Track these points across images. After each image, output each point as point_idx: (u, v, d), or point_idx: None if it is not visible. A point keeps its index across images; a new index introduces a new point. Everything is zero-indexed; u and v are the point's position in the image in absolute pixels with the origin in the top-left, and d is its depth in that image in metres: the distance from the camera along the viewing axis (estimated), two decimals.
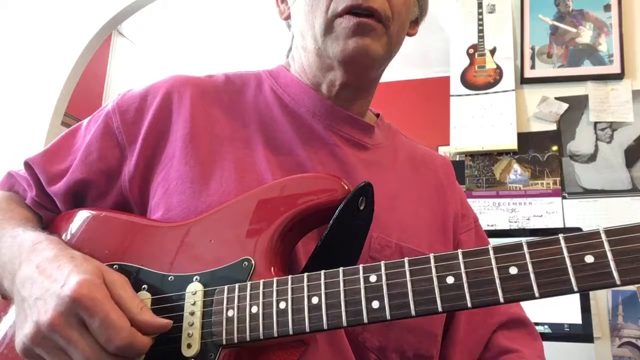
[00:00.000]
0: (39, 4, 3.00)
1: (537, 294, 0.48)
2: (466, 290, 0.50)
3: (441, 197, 0.84)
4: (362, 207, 0.62)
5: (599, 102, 1.94)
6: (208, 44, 4.58)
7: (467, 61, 2.13)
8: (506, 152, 2.00)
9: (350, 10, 0.70)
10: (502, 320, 0.81)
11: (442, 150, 3.70)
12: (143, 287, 0.63)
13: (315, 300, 0.55)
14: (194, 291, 0.61)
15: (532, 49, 2.06)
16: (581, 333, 1.52)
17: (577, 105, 1.97)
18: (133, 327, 0.55)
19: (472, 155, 2.05)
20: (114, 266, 0.65)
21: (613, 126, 1.92)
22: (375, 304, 0.53)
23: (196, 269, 0.62)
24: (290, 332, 0.55)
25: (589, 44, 2.01)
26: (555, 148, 1.96)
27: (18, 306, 0.61)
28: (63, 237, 0.72)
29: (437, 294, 0.51)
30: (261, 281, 0.58)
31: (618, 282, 0.45)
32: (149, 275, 0.64)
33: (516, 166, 1.98)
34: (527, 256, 0.49)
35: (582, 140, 1.94)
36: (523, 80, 2.04)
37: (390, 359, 0.68)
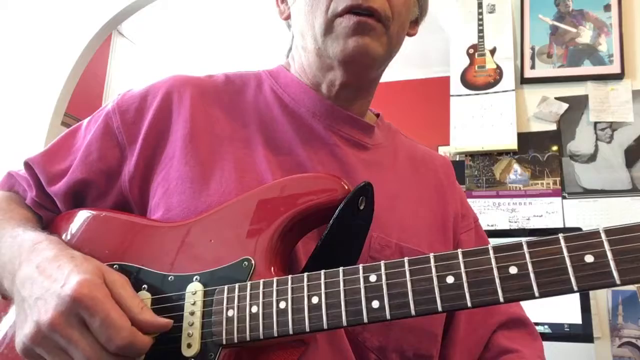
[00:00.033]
0: (39, 4, 3.00)
1: (537, 294, 0.48)
2: (466, 289, 0.50)
3: (441, 197, 0.84)
4: (362, 207, 0.62)
5: (599, 102, 1.94)
6: (208, 44, 4.59)
7: (467, 61, 2.13)
8: (506, 152, 2.00)
9: (350, 10, 0.70)
10: (502, 320, 0.81)
11: (442, 150, 3.70)
12: (143, 287, 0.63)
13: (315, 300, 0.55)
14: (194, 291, 0.61)
15: (532, 49, 2.06)
16: (581, 333, 1.52)
17: (577, 105, 1.97)
18: (134, 327, 0.55)
19: (472, 155, 2.05)
20: (114, 266, 0.65)
21: (613, 126, 1.92)
22: (375, 304, 0.53)
23: (196, 268, 0.62)
24: (290, 332, 0.55)
25: (589, 44, 2.01)
26: (555, 148, 1.96)
27: (18, 306, 0.61)
28: (63, 237, 0.72)
29: (437, 294, 0.51)
30: (261, 281, 0.58)
31: (618, 282, 0.45)
32: (149, 275, 0.64)
33: (516, 166, 1.99)
34: (527, 256, 0.49)
35: (582, 140, 1.94)
36: (523, 80, 2.04)
37: (390, 359, 0.68)
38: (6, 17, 3.03)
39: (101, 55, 3.98)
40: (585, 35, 2.02)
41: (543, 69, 2.04)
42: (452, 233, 0.82)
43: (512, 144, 1.98)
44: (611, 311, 1.75)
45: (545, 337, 1.38)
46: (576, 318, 1.53)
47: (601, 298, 1.76)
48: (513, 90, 2.02)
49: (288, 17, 0.83)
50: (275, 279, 0.58)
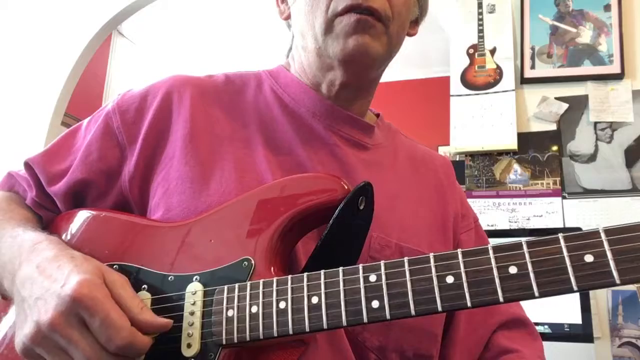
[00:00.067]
0: (39, 4, 3.00)
1: (536, 294, 0.48)
2: (466, 289, 0.50)
3: (441, 197, 0.84)
4: (362, 207, 0.62)
5: (599, 102, 1.94)
6: (208, 44, 4.59)
7: (467, 61, 2.13)
8: (506, 152, 2.00)
9: (350, 10, 0.70)
10: (502, 320, 0.81)
11: (442, 150, 3.70)
12: (143, 287, 0.63)
13: (315, 300, 0.55)
14: (194, 291, 0.61)
15: (532, 49, 2.06)
16: (581, 333, 1.52)
17: (577, 105, 1.97)
18: (133, 327, 0.55)
19: (472, 155, 2.05)
20: (114, 266, 0.65)
21: (613, 126, 1.93)
22: (375, 304, 0.53)
23: (196, 268, 0.62)
24: (290, 332, 0.55)
25: (589, 44, 2.01)
26: (555, 148, 1.96)
27: (18, 306, 0.61)
28: (63, 237, 0.72)
29: (436, 294, 0.51)
30: (261, 281, 0.58)
31: (618, 282, 0.45)
32: (149, 275, 0.64)
33: (516, 166, 1.99)
34: (527, 255, 0.49)
35: (582, 140, 1.94)
36: (523, 80, 2.04)
37: (390, 359, 0.68)
38: (6, 17, 3.03)
39: (101, 55, 3.99)
40: (585, 35, 2.02)
41: (543, 69, 2.04)
42: (452, 233, 0.82)
43: (512, 144, 1.98)
44: (611, 311, 1.75)
45: (545, 337, 1.38)
46: (576, 318, 1.53)
47: (601, 298, 1.76)
48: (513, 90, 2.02)
49: (288, 17, 0.83)
50: (275, 279, 0.58)
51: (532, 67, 2.05)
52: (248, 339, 0.56)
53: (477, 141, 2.03)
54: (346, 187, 0.62)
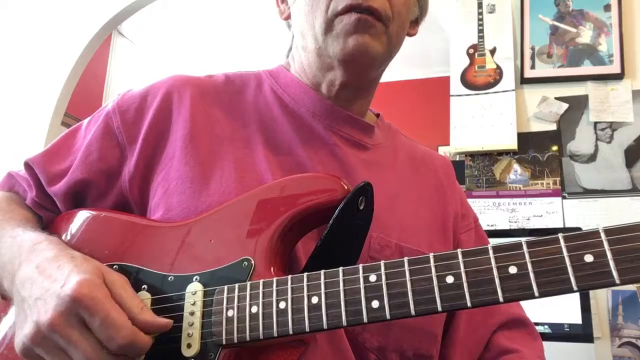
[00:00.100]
0: (39, 4, 3.00)
1: (536, 293, 0.48)
2: (466, 289, 0.50)
3: (441, 197, 0.84)
4: (361, 207, 0.62)
5: (599, 102, 1.94)
6: (208, 44, 4.59)
7: (467, 61, 2.13)
8: (506, 152, 2.00)
9: (350, 9, 0.70)
10: (502, 320, 0.81)
11: (442, 150, 3.70)
12: (143, 287, 0.63)
13: (315, 300, 0.55)
14: (194, 291, 0.61)
15: (532, 49, 2.06)
16: (581, 333, 1.52)
17: (577, 105, 1.97)
18: (134, 326, 0.55)
19: (472, 155, 2.05)
20: (114, 266, 0.65)
21: (613, 126, 1.92)
22: (375, 304, 0.53)
23: (196, 269, 0.62)
24: (290, 332, 0.55)
25: (589, 44, 2.01)
26: (555, 148, 1.96)
27: (18, 306, 0.61)
28: (63, 237, 0.72)
29: (436, 294, 0.51)
30: (261, 281, 0.58)
31: (617, 281, 0.45)
32: (148, 275, 0.64)
33: (516, 166, 1.99)
34: (527, 255, 0.49)
35: (582, 140, 1.94)
36: (523, 80, 2.04)
37: (390, 359, 0.68)
38: (6, 17, 3.03)
39: (101, 55, 3.99)
40: (585, 35, 2.02)
41: (543, 69, 2.04)
42: (452, 233, 0.82)
43: (512, 144, 1.98)
44: (611, 311, 1.75)
45: (545, 337, 1.38)
46: (576, 318, 1.53)
47: (601, 298, 1.76)
48: (513, 90, 2.02)
49: (288, 17, 0.83)
50: (275, 279, 0.58)
51: (532, 67, 2.05)
52: (248, 339, 0.56)
53: (477, 141, 2.03)
54: (346, 187, 0.62)
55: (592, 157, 1.92)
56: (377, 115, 0.88)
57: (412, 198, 0.80)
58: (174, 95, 0.76)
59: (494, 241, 0.56)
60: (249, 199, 0.65)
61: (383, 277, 0.53)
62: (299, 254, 0.66)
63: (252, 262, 0.60)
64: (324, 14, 0.72)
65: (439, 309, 0.51)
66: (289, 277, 0.57)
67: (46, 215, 0.78)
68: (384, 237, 0.71)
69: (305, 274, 0.57)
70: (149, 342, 0.56)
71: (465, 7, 2.18)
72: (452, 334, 0.78)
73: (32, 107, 2.85)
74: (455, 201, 0.85)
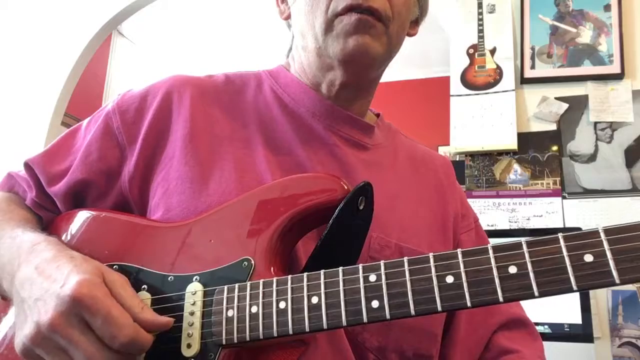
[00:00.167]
0: (39, 4, 3.00)
1: (536, 293, 0.48)
2: (465, 289, 0.50)
3: (441, 197, 0.84)
4: (361, 207, 0.62)
5: (599, 102, 1.94)
6: (208, 44, 4.59)
7: (467, 61, 2.13)
8: (506, 152, 2.00)
9: (350, 9, 0.70)
10: (503, 321, 0.81)
11: (442, 150, 3.70)
12: (143, 287, 0.63)
13: (315, 300, 0.55)
14: (194, 291, 0.61)
15: (532, 49, 2.06)
16: (581, 333, 1.52)
17: (577, 105, 1.97)
18: (136, 323, 0.55)
19: (472, 155, 2.05)
20: (114, 266, 0.65)
21: (613, 126, 1.92)
22: (375, 304, 0.53)
23: (196, 269, 0.62)
24: (290, 332, 0.55)
25: (589, 44, 2.01)
26: (555, 148, 1.96)
27: (18, 307, 0.61)
28: (63, 237, 0.71)
29: (436, 294, 0.51)
30: (261, 281, 0.58)
31: (617, 281, 0.45)
32: (148, 275, 0.64)
33: (516, 166, 1.99)
34: (527, 255, 0.49)
35: (582, 140, 1.94)
36: (523, 80, 2.04)
37: (390, 359, 0.68)
38: (6, 17, 3.03)
39: (101, 55, 3.99)
40: (585, 35, 2.03)
41: (543, 69, 2.04)
42: (452, 233, 0.82)
43: (512, 144, 1.98)
44: (611, 311, 1.75)
45: (545, 337, 1.38)
46: (576, 318, 1.53)
47: (601, 298, 1.76)
48: (513, 90, 2.02)
49: (288, 17, 0.83)
50: (275, 279, 0.58)
51: (532, 67, 2.05)
52: (248, 339, 0.56)
53: (477, 141, 2.03)
54: (346, 187, 0.62)
55: (592, 157, 1.92)
56: (377, 115, 0.88)
57: (412, 198, 0.80)
58: (174, 95, 0.76)
59: (494, 241, 0.56)
60: (248, 199, 0.65)
61: (383, 277, 0.53)
62: (299, 254, 0.66)
63: (252, 262, 0.60)
64: (324, 14, 0.72)
65: (439, 308, 0.51)
66: (289, 277, 0.57)
67: (46, 216, 0.78)
68: (384, 237, 0.71)
69: (305, 274, 0.57)
70: (151, 340, 0.56)
71: (465, 7, 2.18)
72: (452, 334, 0.78)
73: (32, 107, 2.86)
74: (455, 201, 0.85)
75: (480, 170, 2.02)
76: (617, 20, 1.99)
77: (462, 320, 0.78)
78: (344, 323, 0.54)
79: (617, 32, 1.98)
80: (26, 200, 0.78)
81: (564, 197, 1.90)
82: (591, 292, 1.65)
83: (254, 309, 0.57)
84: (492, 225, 1.93)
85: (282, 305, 0.56)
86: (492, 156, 2.02)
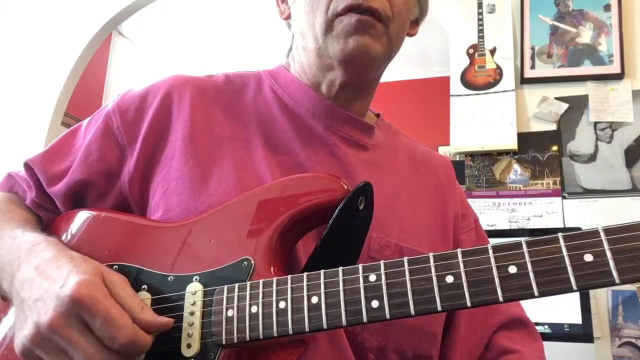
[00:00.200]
0: (39, 4, 3.00)
1: (536, 293, 0.48)
2: (465, 289, 0.50)
3: (441, 197, 0.84)
4: (361, 207, 0.62)
5: (599, 102, 1.94)
6: (208, 44, 4.59)
7: (467, 61, 2.13)
8: (506, 152, 2.00)
9: (350, 10, 0.70)
10: (503, 321, 0.81)
11: (442, 150, 3.70)
12: (143, 287, 0.63)
13: (314, 299, 0.55)
14: (194, 291, 0.61)
15: (532, 49, 2.06)
16: (581, 333, 1.52)
17: (577, 105, 1.97)
18: (135, 324, 0.55)
19: (472, 155, 2.05)
20: (114, 267, 0.65)
21: (613, 126, 1.92)
22: (375, 304, 0.53)
23: (196, 269, 0.62)
24: (290, 332, 0.55)
25: (589, 44, 2.01)
26: (555, 148, 1.96)
27: (17, 307, 0.61)
28: (63, 237, 0.71)
29: (436, 293, 0.51)
30: (261, 281, 0.58)
31: (617, 281, 0.45)
32: (148, 275, 0.64)
33: (516, 166, 1.99)
34: (527, 255, 0.49)
35: (582, 140, 1.94)
36: (523, 80, 2.04)
37: (390, 359, 0.68)
38: (6, 17, 3.03)
39: (101, 55, 3.99)
40: (585, 35, 2.02)
41: (543, 69, 2.04)
42: (452, 233, 0.82)
43: (512, 144, 1.98)
44: (611, 311, 1.75)
45: (545, 337, 1.38)
46: (576, 318, 1.53)
47: (601, 298, 1.76)
48: (513, 90, 2.02)
49: (288, 17, 0.83)
50: (274, 279, 0.58)
51: (532, 67, 2.05)
52: (248, 339, 0.56)
53: (477, 141, 2.03)
54: (346, 187, 0.62)
55: (592, 157, 1.92)
56: (377, 115, 0.88)
57: (412, 198, 0.80)
58: (174, 95, 0.76)
59: (494, 241, 0.56)
60: (248, 199, 0.65)
61: (383, 276, 0.53)
62: (299, 253, 0.66)
63: (252, 262, 0.60)
64: (324, 14, 0.72)
65: (439, 308, 0.51)
66: (289, 277, 0.57)
67: (46, 216, 0.78)
68: (384, 237, 0.71)
69: (305, 274, 0.57)
70: (150, 341, 0.56)
71: (465, 7, 2.18)
72: (453, 334, 0.78)
73: (32, 107, 2.86)
74: (455, 201, 0.85)
75: (480, 170, 2.02)
76: (617, 20, 1.99)
77: (462, 320, 0.78)
78: (344, 323, 0.54)
79: (617, 32, 1.98)
80: (26, 200, 0.78)
81: (564, 197, 1.90)
82: (591, 292, 1.65)
83: (253, 309, 0.57)
84: (492, 225, 1.93)
85: (282, 305, 0.56)
86: (492, 156, 2.02)
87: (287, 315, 0.55)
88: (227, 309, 0.58)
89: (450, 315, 0.78)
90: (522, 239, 0.50)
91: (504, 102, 2.02)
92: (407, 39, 0.82)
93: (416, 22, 0.85)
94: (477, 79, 2.09)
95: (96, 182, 0.75)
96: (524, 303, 0.84)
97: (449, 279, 0.51)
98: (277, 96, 0.80)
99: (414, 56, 4.25)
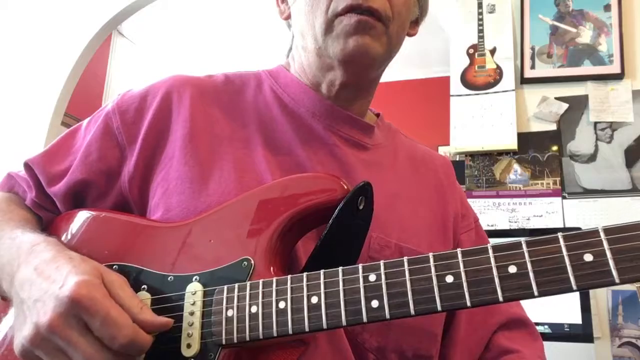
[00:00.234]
0: (39, 4, 3.00)
1: (536, 293, 0.48)
2: (465, 289, 0.50)
3: (441, 197, 0.84)
4: (361, 207, 0.62)
5: (599, 102, 1.94)
6: (208, 44, 4.59)
7: (467, 61, 2.13)
8: (506, 152, 2.00)
9: (350, 10, 0.70)
10: (503, 321, 0.81)
11: (442, 150, 3.70)
12: (143, 287, 0.63)
13: (314, 299, 0.55)
14: (194, 291, 0.61)
15: (532, 49, 2.06)
16: (581, 333, 1.52)
17: (577, 105, 1.97)
18: (135, 324, 0.55)
19: (472, 155, 2.05)
20: (114, 267, 0.65)
21: (613, 126, 1.92)
22: (375, 303, 0.53)
23: (196, 269, 0.62)
24: (290, 332, 0.55)
25: (589, 44, 2.01)
26: (555, 148, 1.96)
27: (17, 308, 0.60)
28: (63, 238, 0.71)
29: (436, 293, 0.51)
30: (260, 281, 0.58)
31: (617, 281, 0.45)
32: (148, 275, 0.64)
33: (516, 166, 1.98)
34: (526, 255, 0.49)
35: (582, 140, 1.94)
36: (523, 80, 2.04)
37: (390, 359, 0.68)
38: (6, 17, 3.03)
39: (101, 55, 3.99)
40: (585, 35, 2.02)
41: (543, 69, 2.04)
42: (452, 233, 0.82)
43: (512, 144, 1.98)
44: (611, 311, 1.75)
45: (545, 337, 1.38)
46: (576, 318, 1.53)
47: (601, 298, 1.76)
48: (513, 90, 2.02)
49: (288, 17, 0.83)
50: (274, 279, 0.58)
51: (532, 67, 2.05)
52: (248, 339, 0.56)
53: (477, 141, 2.03)
54: (345, 187, 0.62)
55: (592, 157, 1.92)
56: (377, 115, 0.88)
57: (412, 198, 0.80)
58: (174, 95, 0.76)
59: (494, 241, 0.56)
60: (248, 199, 0.65)
61: (382, 276, 0.53)
62: (299, 253, 0.66)
63: (252, 262, 0.60)
64: (324, 14, 0.72)
65: (439, 308, 0.51)
66: (289, 277, 0.57)
67: (46, 216, 0.78)
68: (384, 237, 0.71)
69: (304, 274, 0.57)
70: (150, 340, 0.56)
71: (465, 7, 2.18)
72: (453, 334, 0.78)
73: (32, 107, 2.86)
74: (455, 201, 0.85)
75: (480, 170, 2.02)
76: (617, 20, 1.99)
77: (462, 320, 0.78)
78: (344, 323, 0.53)
79: (617, 32, 1.98)
80: (26, 200, 0.78)
81: (564, 197, 1.90)
82: (591, 292, 1.65)
83: (253, 309, 0.57)
84: (492, 225, 1.93)
85: (281, 305, 0.56)
86: (492, 156, 2.02)
87: (286, 315, 0.55)
88: (227, 309, 0.58)
89: (450, 315, 0.78)
90: (522, 239, 0.50)
91: (504, 102, 2.02)
92: (407, 39, 0.82)
93: (416, 22, 0.85)
94: (477, 79, 2.09)
95: (96, 182, 0.75)
96: (524, 303, 0.84)
97: (449, 278, 0.51)
98: (277, 96, 0.80)
99: (414, 56, 4.25)
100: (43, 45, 2.92)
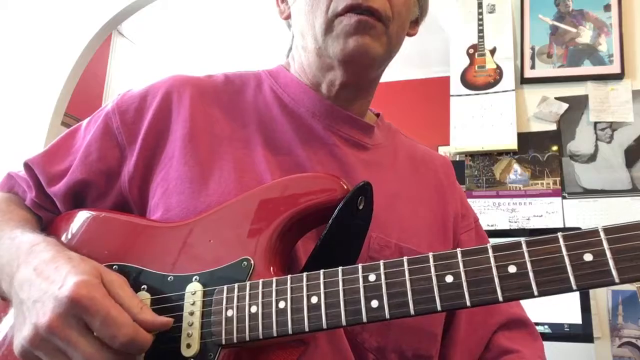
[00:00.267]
0: (39, 4, 3.00)
1: (536, 293, 0.48)
2: (465, 289, 0.50)
3: (441, 197, 0.84)
4: (361, 207, 0.62)
5: (599, 102, 1.94)
6: (208, 44, 4.59)
7: (467, 61, 2.13)
8: (506, 152, 2.00)
9: (350, 10, 0.70)
10: (503, 321, 0.81)
11: (442, 150, 3.70)
12: (142, 287, 0.63)
13: (314, 299, 0.55)
14: (194, 291, 0.61)
15: (532, 49, 2.06)
16: (581, 333, 1.52)
17: (577, 105, 1.97)
18: (135, 323, 0.55)
19: (472, 155, 2.05)
20: (113, 267, 0.65)
21: (613, 126, 1.92)
22: (375, 303, 0.53)
23: (195, 269, 0.62)
24: (290, 332, 0.55)
25: (589, 44, 2.01)
26: (555, 148, 1.96)
27: (16, 308, 0.60)
28: (62, 238, 0.71)
29: (436, 293, 0.51)
30: (260, 281, 0.58)
31: (617, 280, 0.45)
32: (148, 275, 0.64)
33: (516, 166, 1.98)
34: (526, 255, 0.49)
35: (582, 140, 1.94)
36: (523, 80, 2.04)
37: (389, 359, 0.68)
38: (6, 17, 3.03)
39: (101, 55, 3.99)
40: (585, 35, 2.02)
41: (543, 69, 2.04)
42: (452, 233, 0.82)
43: (512, 144, 1.98)
44: (611, 311, 1.75)
45: (545, 337, 1.38)
46: (576, 318, 1.53)
47: (601, 298, 1.76)
48: (513, 90, 2.02)
49: (288, 17, 0.83)
50: (274, 279, 0.58)
51: (532, 67, 2.05)
52: (247, 339, 0.56)
53: (477, 141, 2.03)
54: (345, 187, 0.62)
55: (592, 157, 1.92)
56: (377, 115, 0.88)
57: (412, 198, 0.80)
58: (174, 95, 0.76)
59: (493, 241, 0.56)
60: (248, 199, 0.65)
61: (382, 276, 0.53)
62: (299, 253, 0.66)
63: (252, 262, 0.60)
64: (324, 14, 0.72)
65: (439, 308, 0.51)
66: (289, 277, 0.57)
67: (46, 216, 0.78)
68: (384, 237, 0.71)
69: (304, 274, 0.57)
70: (150, 340, 0.56)
71: (465, 7, 2.18)
72: (453, 334, 0.78)
73: (32, 107, 2.86)
74: (455, 201, 0.85)
75: (480, 170, 2.02)
76: (617, 20, 1.99)
77: (462, 320, 0.78)
78: (344, 323, 0.53)
79: (617, 32, 1.98)
80: (26, 200, 0.78)
81: (564, 197, 1.90)
82: (591, 292, 1.65)
83: (253, 309, 0.57)
84: (492, 225, 1.93)
85: (281, 305, 0.56)
86: (492, 156, 2.02)
87: (286, 315, 0.55)
88: (226, 309, 0.58)
89: (450, 315, 0.78)
90: (522, 239, 0.50)
91: (504, 102, 2.02)
92: (407, 39, 0.82)
93: (416, 22, 0.85)
94: (477, 79, 2.09)
95: (96, 182, 0.75)
96: (524, 303, 0.84)
97: (449, 278, 0.51)
98: (277, 96, 0.80)
99: (414, 56, 4.25)
100: (43, 45, 2.92)
